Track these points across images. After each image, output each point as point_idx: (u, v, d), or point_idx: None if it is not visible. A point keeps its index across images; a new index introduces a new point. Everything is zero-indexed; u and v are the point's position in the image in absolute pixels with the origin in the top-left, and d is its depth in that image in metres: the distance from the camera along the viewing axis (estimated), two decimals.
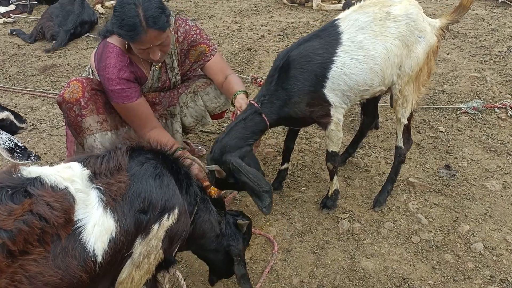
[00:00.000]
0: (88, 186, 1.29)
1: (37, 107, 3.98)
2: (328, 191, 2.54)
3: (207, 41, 2.57)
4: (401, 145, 2.46)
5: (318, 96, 2.19)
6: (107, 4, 7.03)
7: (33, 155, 2.54)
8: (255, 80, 4.14)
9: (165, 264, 1.59)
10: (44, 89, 4.31)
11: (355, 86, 2.19)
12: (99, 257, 1.24)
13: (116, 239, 1.29)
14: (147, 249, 1.41)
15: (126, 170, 1.38)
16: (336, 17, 2.27)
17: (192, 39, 2.52)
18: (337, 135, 2.32)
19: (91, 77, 2.46)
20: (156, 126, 2.41)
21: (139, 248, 1.38)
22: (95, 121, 2.32)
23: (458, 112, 3.48)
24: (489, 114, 3.43)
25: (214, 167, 2.12)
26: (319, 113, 2.25)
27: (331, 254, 2.28)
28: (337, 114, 2.26)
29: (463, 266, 2.17)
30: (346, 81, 2.16)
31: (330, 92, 2.19)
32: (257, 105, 2.21)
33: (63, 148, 3.30)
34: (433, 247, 2.28)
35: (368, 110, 2.78)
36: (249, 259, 2.26)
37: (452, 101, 3.68)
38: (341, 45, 2.14)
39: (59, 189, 1.22)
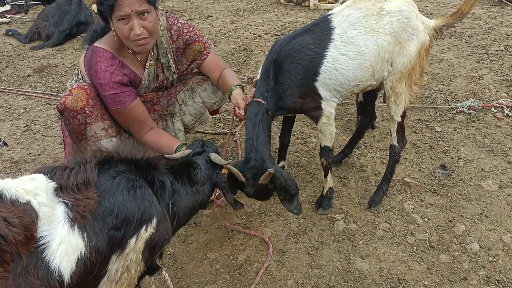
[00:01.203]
0: (53, 200, 1.20)
1: (32, 107, 3.95)
2: (323, 189, 2.52)
3: (201, 39, 2.56)
4: (395, 143, 2.45)
5: (310, 89, 2.21)
6: None
7: (1, 141, 2.51)
8: (251, 80, 4.12)
9: (147, 272, 1.56)
10: (38, 90, 4.29)
11: (345, 81, 2.20)
12: (66, 278, 1.16)
13: (86, 259, 1.21)
14: (125, 264, 1.35)
15: (94, 186, 1.30)
16: (329, 12, 2.27)
17: (187, 37, 2.50)
18: (329, 129, 2.32)
19: (82, 82, 2.43)
20: (153, 127, 2.39)
21: (115, 264, 1.32)
22: (100, 128, 2.28)
23: (455, 111, 3.47)
24: (485, 114, 3.42)
25: (271, 170, 2.09)
26: (310, 105, 2.26)
27: (326, 255, 2.26)
28: (328, 108, 2.26)
29: (459, 266, 2.16)
30: (337, 76, 2.18)
31: (321, 86, 2.21)
32: (263, 102, 2.22)
33: (57, 149, 3.28)
34: (429, 248, 2.27)
35: (366, 110, 2.77)
36: (243, 260, 2.25)
37: (448, 100, 3.67)
38: (332, 40, 2.16)
39: (20, 203, 1.13)
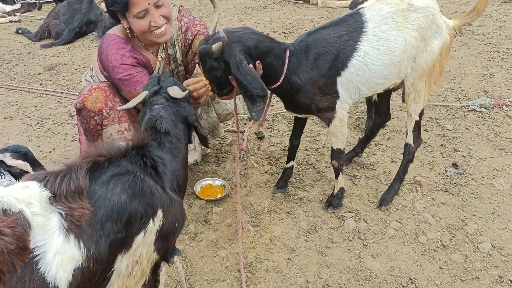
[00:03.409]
0: (47, 210, 1.16)
1: (42, 105, 3.98)
2: (333, 189, 2.51)
3: None
4: (411, 143, 2.44)
5: (330, 84, 2.17)
6: None
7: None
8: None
9: (165, 258, 1.55)
10: (49, 88, 4.32)
11: (372, 79, 2.18)
12: None
13: (83, 269, 1.18)
14: (135, 259, 1.34)
15: (87, 196, 1.25)
16: (361, 6, 2.26)
17: (197, 28, 2.50)
18: (341, 131, 2.30)
19: (95, 79, 2.44)
20: None
21: (123, 262, 1.31)
22: (116, 131, 2.28)
23: (466, 109, 3.45)
24: (497, 112, 3.39)
25: (222, 36, 1.90)
26: (325, 104, 2.22)
27: (336, 253, 2.25)
28: (341, 110, 2.24)
29: (471, 266, 2.14)
30: (365, 72, 2.15)
31: (342, 83, 2.18)
32: (289, 51, 2.15)
33: (68, 147, 3.30)
34: (441, 247, 2.25)
35: (381, 109, 2.74)
36: (253, 258, 2.24)
37: (459, 98, 3.64)
38: (366, 34, 2.14)
39: (12, 213, 1.10)
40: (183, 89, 1.77)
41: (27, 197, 1.14)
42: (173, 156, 1.61)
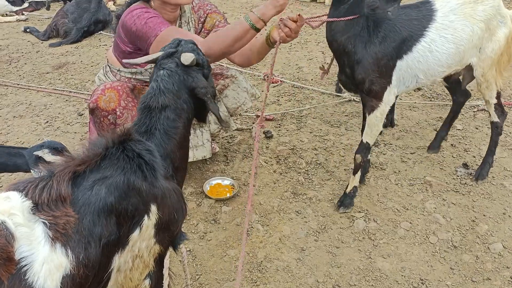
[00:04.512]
0: (31, 220, 1.14)
1: (51, 104, 4.00)
2: (347, 187, 2.50)
3: (221, 13, 2.64)
4: (496, 119, 2.57)
5: (390, 66, 2.20)
6: (119, 1, 7.05)
7: None
8: (267, 77, 4.10)
9: (173, 246, 1.55)
10: (58, 87, 4.34)
11: (434, 66, 2.24)
12: None
13: (73, 276, 1.17)
14: (133, 254, 1.34)
15: (70, 204, 1.22)
16: None
17: (208, 7, 2.59)
18: (377, 126, 2.32)
19: (109, 75, 2.46)
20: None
21: (122, 259, 1.31)
22: None
23: (476, 109, 3.43)
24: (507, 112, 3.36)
25: None
26: (376, 87, 2.21)
27: (346, 253, 2.25)
28: (388, 100, 2.26)
29: (482, 266, 2.13)
30: (427, 59, 2.20)
31: (399, 70, 2.21)
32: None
33: (77, 146, 3.31)
34: (451, 247, 2.24)
35: (457, 90, 2.77)
36: (263, 257, 2.25)
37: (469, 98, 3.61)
38: (435, 21, 2.20)
39: None
40: (201, 59, 1.65)
41: (9, 208, 1.12)
42: (168, 138, 1.53)
